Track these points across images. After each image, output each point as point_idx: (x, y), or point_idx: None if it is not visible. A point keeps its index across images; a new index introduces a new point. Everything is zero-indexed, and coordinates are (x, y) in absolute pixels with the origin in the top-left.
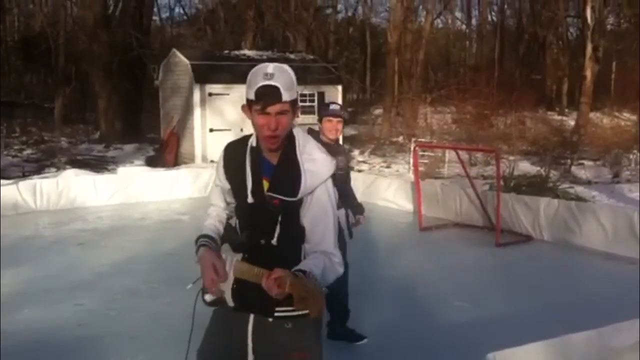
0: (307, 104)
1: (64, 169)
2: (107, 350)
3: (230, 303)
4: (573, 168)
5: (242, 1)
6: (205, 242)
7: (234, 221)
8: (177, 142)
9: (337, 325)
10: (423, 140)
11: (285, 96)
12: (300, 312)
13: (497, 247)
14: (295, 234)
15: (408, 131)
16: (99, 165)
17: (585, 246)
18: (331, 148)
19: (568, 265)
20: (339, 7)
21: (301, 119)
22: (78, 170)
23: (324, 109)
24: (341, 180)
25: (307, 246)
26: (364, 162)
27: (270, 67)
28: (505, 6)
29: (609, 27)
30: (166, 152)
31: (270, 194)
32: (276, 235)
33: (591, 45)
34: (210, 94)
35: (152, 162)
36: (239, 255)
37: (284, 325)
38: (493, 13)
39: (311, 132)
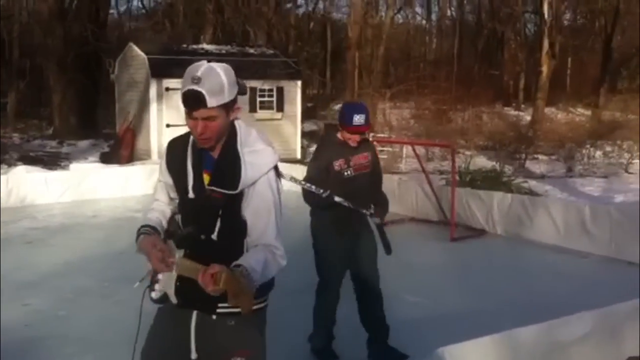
0: (267, 98)
1: (15, 165)
2: (54, 352)
3: (174, 300)
4: (528, 162)
5: None
6: (146, 230)
7: (178, 217)
8: (133, 138)
9: (378, 343)
10: (381, 135)
11: (212, 102)
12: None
13: (452, 242)
14: (236, 228)
15: None
16: (51, 161)
17: (538, 240)
18: (348, 148)
19: (520, 259)
20: (300, 1)
21: (260, 113)
22: (29, 167)
23: (344, 118)
24: (363, 182)
25: (249, 240)
26: None
27: (200, 70)
28: (465, 2)
29: (565, 23)
30: (122, 148)
31: (211, 187)
32: (217, 230)
33: (548, 41)
34: (167, 89)
35: (106, 159)
36: (181, 252)
37: (227, 322)
38: (453, 8)
39: (329, 127)
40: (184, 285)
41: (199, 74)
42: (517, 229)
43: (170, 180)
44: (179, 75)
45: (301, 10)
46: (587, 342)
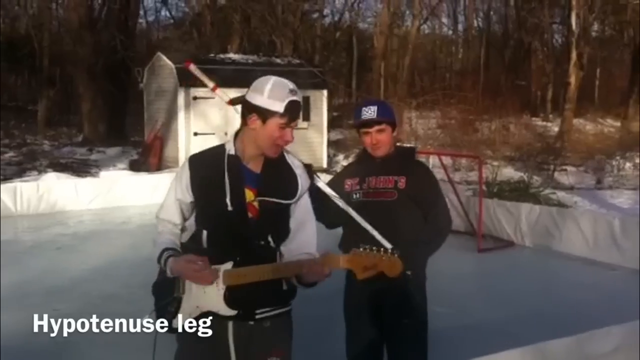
0: None
1: (46, 172)
2: (83, 357)
3: (226, 312)
4: (556, 174)
5: (229, 5)
6: (173, 253)
7: (203, 234)
8: (161, 146)
9: None
10: (407, 145)
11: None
12: (277, 311)
13: (479, 253)
14: (284, 236)
15: None
16: (81, 168)
17: (566, 252)
18: (371, 164)
19: (549, 271)
20: (326, 11)
21: None
22: (59, 173)
23: (354, 114)
24: (378, 213)
25: (289, 247)
26: None
27: (290, 83)
28: (492, 12)
29: (593, 34)
30: (150, 156)
31: (264, 198)
32: (270, 237)
33: (576, 51)
34: (194, 98)
35: (135, 166)
36: (228, 264)
37: (264, 324)
38: (479, 19)
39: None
40: (234, 294)
41: (292, 86)
42: (546, 241)
43: (190, 198)
44: (206, 84)
45: (327, 20)
46: (616, 357)
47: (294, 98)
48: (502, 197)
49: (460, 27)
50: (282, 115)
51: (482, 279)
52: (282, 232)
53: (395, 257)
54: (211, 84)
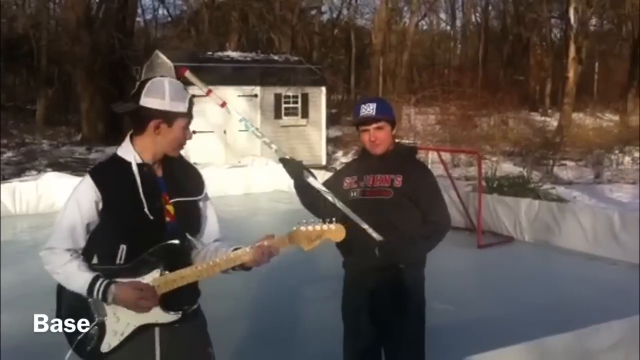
0: (291, 105)
1: (45, 172)
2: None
3: (166, 318)
4: (555, 169)
5: (227, 2)
6: (109, 280)
7: (121, 250)
8: None
9: None
10: (407, 141)
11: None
12: (195, 306)
13: (479, 249)
14: (197, 231)
15: None
16: (80, 168)
17: (566, 247)
18: (370, 162)
19: (548, 266)
20: (324, 8)
21: (285, 120)
22: (59, 173)
23: (353, 112)
24: (375, 211)
25: (202, 239)
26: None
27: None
28: (490, 7)
29: (591, 28)
30: None
31: (178, 199)
32: (188, 235)
33: (574, 46)
34: (193, 96)
35: None
36: (156, 272)
37: (192, 322)
38: (477, 14)
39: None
40: (167, 299)
41: (181, 83)
42: (545, 236)
43: (98, 218)
44: (205, 82)
45: (325, 17)
46: (616, 352)
47: (190, 94)
48: (501, 192)
49: (458, 22)
50: (186, 114)
51: (481, 275)
52: (196, 227)
53: (338, 224)
54: (205, 89)
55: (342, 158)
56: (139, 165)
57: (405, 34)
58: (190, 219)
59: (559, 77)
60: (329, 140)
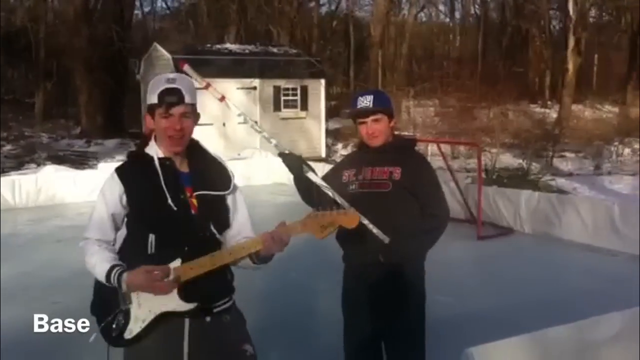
0: (290, 97)
1: (44, 165)
2: (83, 350)
3: (182, 307)
4: (555, 160)
5: None
6: (123, 268)
7: (150, 239)
8: None
9: None
10: (406, 134)
11: (187, 98)
12: (229, 304)
13: (479, 241)
14: (224, 225)
15: None
16: (79, 161)
17: (566, 238)
18: (369, 155)
19: (549, 258)
20: (322, 0)
21: (284, 112)
22: (58, 166)
23: (351, 105)
24: (372, 204)
25: (232, 234)
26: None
27: (172, 74)
28: None
29: (591, 19)
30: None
31: (201, 192)
32: (212, 228)
33: (573, 38)
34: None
35: None
36: (177, 262)
37: (223, 320)
38: (476, 6)
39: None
40: (188, 288)
41: (172, 76)
42: (545, 228)
43: (125, 210)
44: (203, 74)
45: (324, 9)
46: (617, 343)
47: (169, 86)
48: (501, 184)
49: (457, 14)
50: (158, 105)
51: (481, 267)
52: (222, 221)
53: (351, 211)
54: (204, 83)
55: (342, 150)
56: (160, 159)
57: (404, 26)
58: (215, 213)
59: (559, 69)
60: (329, 133)
